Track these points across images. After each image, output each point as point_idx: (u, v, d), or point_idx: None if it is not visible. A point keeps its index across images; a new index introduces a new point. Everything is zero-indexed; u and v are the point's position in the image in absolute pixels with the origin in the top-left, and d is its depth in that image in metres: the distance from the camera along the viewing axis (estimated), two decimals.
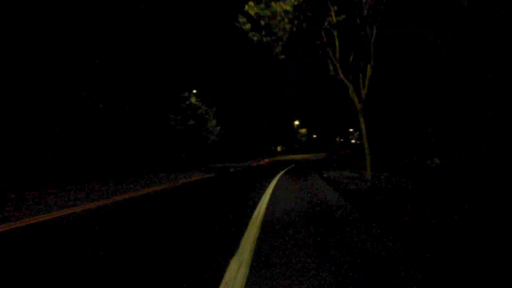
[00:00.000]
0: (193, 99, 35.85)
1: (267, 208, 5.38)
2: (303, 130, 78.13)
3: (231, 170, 21.36)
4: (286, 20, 9.58)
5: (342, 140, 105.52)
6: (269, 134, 71.81)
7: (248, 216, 4.84)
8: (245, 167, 26.06)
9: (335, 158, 33.45)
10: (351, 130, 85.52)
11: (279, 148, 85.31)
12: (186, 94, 36.17)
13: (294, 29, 9.79)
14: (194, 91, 38.63)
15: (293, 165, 24.47)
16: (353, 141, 75.04)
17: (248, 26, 9.83)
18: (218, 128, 44.92)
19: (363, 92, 9.59)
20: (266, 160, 41.36)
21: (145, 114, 29.39)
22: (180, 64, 36.76)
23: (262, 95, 67.77)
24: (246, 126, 60.06)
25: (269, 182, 10.26)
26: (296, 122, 75.09)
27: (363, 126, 9.59)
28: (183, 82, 36.16)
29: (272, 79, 73.01)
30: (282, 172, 18.62)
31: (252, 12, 9.55)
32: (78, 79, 21.41)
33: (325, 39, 10.10)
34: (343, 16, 9.69)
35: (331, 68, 10.23)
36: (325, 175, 10.97)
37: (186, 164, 33.22)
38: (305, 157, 43.53)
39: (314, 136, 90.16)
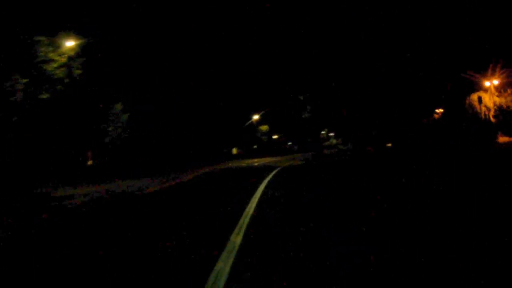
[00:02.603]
0: (51, 53, 17.90)
1: None
2: (265, 127, 61.68)
3: None
4: None
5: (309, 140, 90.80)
6: (222, 131, 54.68)
7: None
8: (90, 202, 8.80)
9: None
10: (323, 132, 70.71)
11: (234, 151, 68.38)
12: (41, 39, 18.22)
13: None
14: (71, 43, 20.84)
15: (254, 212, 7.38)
16: (334, 140, 59.55)
17: None
18: (126, 116, 27.07)
19: None
20: (204, 169, 24.24)
21: None
22: None
23: (211, 77, 50.52)
24: (184, 118, 42.45)
25: None
26: (256, 117, 58.55)
27: None
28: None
29: (228, 55, 56.11)
30: None
31: None
32: None
33: None
34: None
35: None
36: None
37: None
38: (273, 163, 27.05)
39: (275, 136, 74.16)
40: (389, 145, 40.75)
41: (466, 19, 36.80)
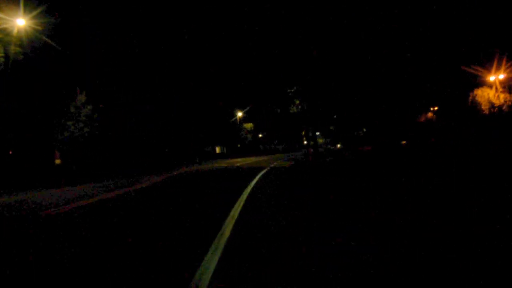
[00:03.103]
0: None
1: None
2: (249, 125, 58.62)
3: None
4: None
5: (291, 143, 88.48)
6: (204, 129, 51.49)
7: None
8: None
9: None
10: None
11: (218, 149, 65.12)
12: None
13: None
14: None
15: None
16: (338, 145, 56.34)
17: None
18: (89, 108, 23.61)
19: None
20: (174, 171, 21.36)
21: None
22: None
23: (193, 71, 47.23)
24: (162, 115, 39.11)
25: None
26: (240, 114, 55.50)
27: None
28: None
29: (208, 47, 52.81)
30: None
31: None
32: None
33: None
34: None
35: None
36: None
37: None
38: (257, 164, 24.06)
39: (260, 135, 71.25)
40: (404, 142, 38.00)
41: (463, 12, 34.68)
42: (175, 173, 17.74)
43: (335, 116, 39.15)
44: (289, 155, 36.99)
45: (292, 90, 25.81)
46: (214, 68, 52.55)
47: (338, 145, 60.64)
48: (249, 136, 59.35)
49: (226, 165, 24.45)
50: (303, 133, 29.74)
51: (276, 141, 79.06)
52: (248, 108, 55.06)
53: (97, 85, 25.38)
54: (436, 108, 43.68)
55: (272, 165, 19.15)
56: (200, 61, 49.59)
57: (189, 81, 47.83)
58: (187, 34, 52.76)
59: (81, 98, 22.76)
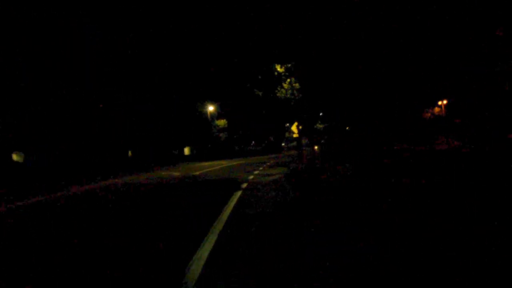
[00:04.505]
0: None
1: None
2: (222, 122, 49.87)
3: None
4: None
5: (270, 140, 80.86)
6: (165, 127, 42.54)
7: None
8: None
9: None
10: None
11: (187, 151, 56.13)
12: None
13: None
14: None
15: None
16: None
17: None
18: None
19: None
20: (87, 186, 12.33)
21: None
22: None
23: (151, 52, 38.30)
24: (111, 105, 30.17)
25: None
26: (211, 108, 46.70)
27: None
28: None
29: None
30: None
31: None
32: None
33: None
34: None
35: None
36: None
37: None
38: (228, 171, 15.63)
39: (236, 136, 62.57)
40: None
41: None
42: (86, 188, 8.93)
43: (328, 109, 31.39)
44: (272, 158, 28.65)
45: (286, 66, 17.60)
46: (181, 49, 43.75)
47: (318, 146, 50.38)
48: (222, 135, 50.67)
49: (178, 173, 15.86)
50: (297, 127, 21.25)
51: (253, 142, 71.06)
52: (220, 102, 46.46)
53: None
54: (445, 101, 36.52)
55: (251, 177, 10.82)
56: (162, 42, 40.69)
57: (149, 67, 38.87)
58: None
59: None
